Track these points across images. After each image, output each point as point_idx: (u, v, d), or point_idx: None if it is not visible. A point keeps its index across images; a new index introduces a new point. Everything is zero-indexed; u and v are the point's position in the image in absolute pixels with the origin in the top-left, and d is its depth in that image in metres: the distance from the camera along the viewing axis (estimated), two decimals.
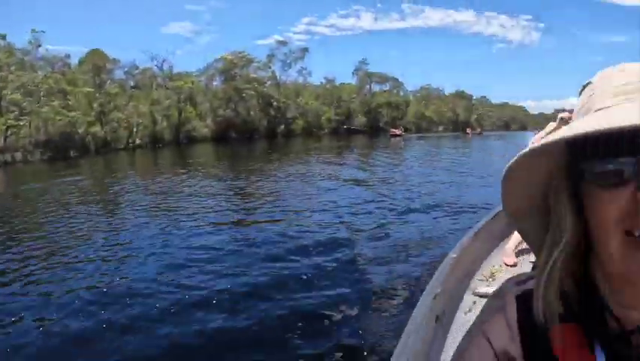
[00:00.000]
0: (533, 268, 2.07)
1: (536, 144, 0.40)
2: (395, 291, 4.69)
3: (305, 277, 5.19)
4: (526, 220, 0.51)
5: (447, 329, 2.37)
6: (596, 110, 0.42)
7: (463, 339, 0.53)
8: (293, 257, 6.00)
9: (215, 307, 4.45)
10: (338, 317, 4.12)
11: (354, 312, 4.20)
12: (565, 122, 3.35)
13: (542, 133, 3.78)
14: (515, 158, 0.43)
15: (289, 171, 17.62)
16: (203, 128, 50.16)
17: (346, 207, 9.71)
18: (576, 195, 0.44)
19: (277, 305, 4.43)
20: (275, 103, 56.92)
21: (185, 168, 19.49)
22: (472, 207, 9.08)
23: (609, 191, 0.39)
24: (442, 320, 2.25)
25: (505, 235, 3.72)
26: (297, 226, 8.02)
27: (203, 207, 10.08)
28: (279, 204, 10.38)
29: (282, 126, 58.62)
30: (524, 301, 0.49)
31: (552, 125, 3.65)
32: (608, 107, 0.41)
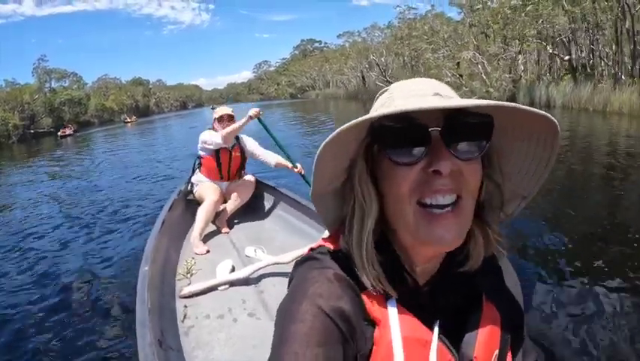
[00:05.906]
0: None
1: (344, 126, 0.47)
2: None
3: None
4: (324, 203, 0.59)
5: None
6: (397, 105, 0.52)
7: (289, 310, 0.52)
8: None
9: None
10: None
11: None
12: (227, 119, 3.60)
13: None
14: (325, 142, 0.49)
15: None
16: None
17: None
18: (373, 177, 0.54)
19: None
20: None
21: None
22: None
23: (405, 168, 0.50)
24: (165, 343, 1.95)
25: (182, 226, 3.57)
26: None
27: None
28: None
29: None
30: (340, 265, 0.56)
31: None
32: (407, 101, 0.53)
